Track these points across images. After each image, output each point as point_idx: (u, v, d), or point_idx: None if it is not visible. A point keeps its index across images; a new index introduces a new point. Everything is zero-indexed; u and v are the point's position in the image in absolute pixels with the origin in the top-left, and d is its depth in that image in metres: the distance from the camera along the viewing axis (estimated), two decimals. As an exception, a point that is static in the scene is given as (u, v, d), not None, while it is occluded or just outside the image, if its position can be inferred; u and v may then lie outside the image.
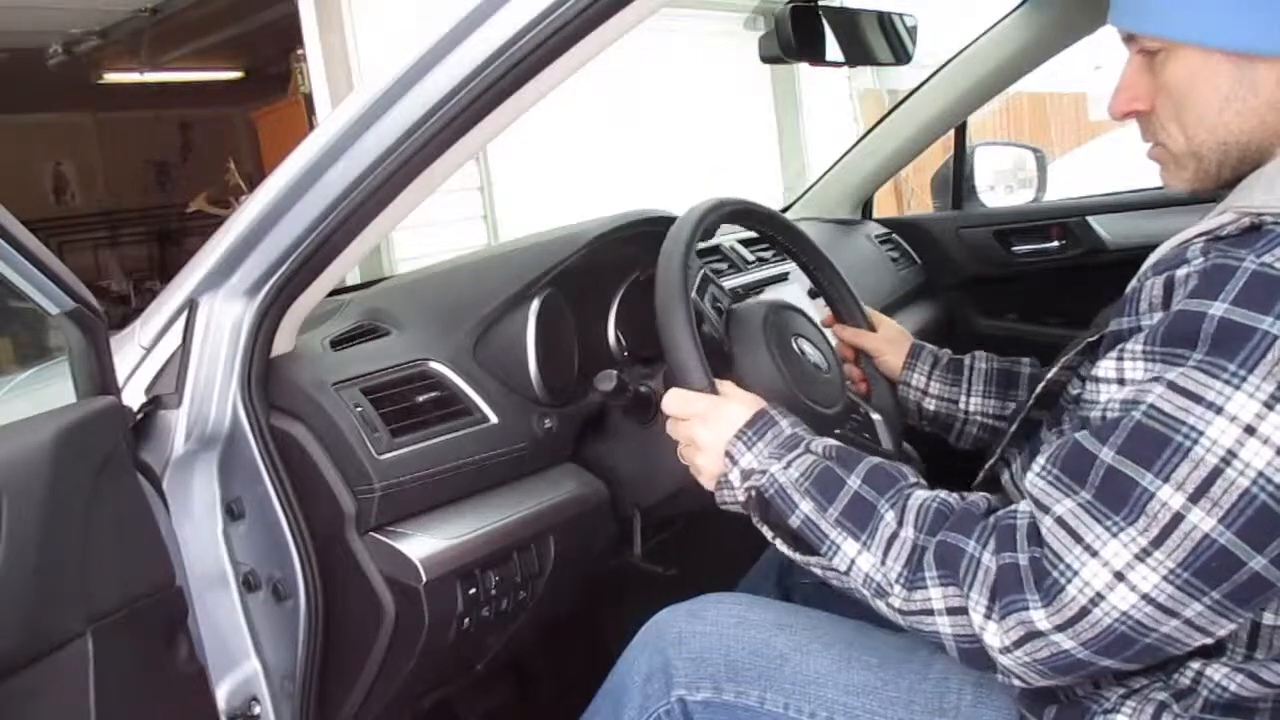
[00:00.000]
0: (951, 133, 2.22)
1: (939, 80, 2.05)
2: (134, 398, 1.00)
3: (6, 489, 0.74)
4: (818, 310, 1.38)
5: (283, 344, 1.06)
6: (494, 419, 1.15)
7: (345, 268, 1.03)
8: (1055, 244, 2.17)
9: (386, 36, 4.41)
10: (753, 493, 0.92)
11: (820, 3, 1.35)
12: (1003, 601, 0.76)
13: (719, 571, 1.30)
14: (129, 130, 7.91)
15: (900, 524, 0.84)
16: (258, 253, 1.00)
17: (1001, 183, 2.46)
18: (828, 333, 1.31)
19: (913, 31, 1.51)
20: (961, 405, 1.23)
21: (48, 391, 1.05)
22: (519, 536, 1.11)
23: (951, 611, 0.80)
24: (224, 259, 1.00)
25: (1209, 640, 0.74)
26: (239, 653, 1.04)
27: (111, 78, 6.40)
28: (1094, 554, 0.72)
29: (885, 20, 1.47)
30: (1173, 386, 0.71)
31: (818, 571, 0.89)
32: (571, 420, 1.24)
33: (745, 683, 0.96)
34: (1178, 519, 0.70)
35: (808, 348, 1.21)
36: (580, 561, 1.23)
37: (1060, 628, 0.74)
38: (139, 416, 1.00)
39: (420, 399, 1.11)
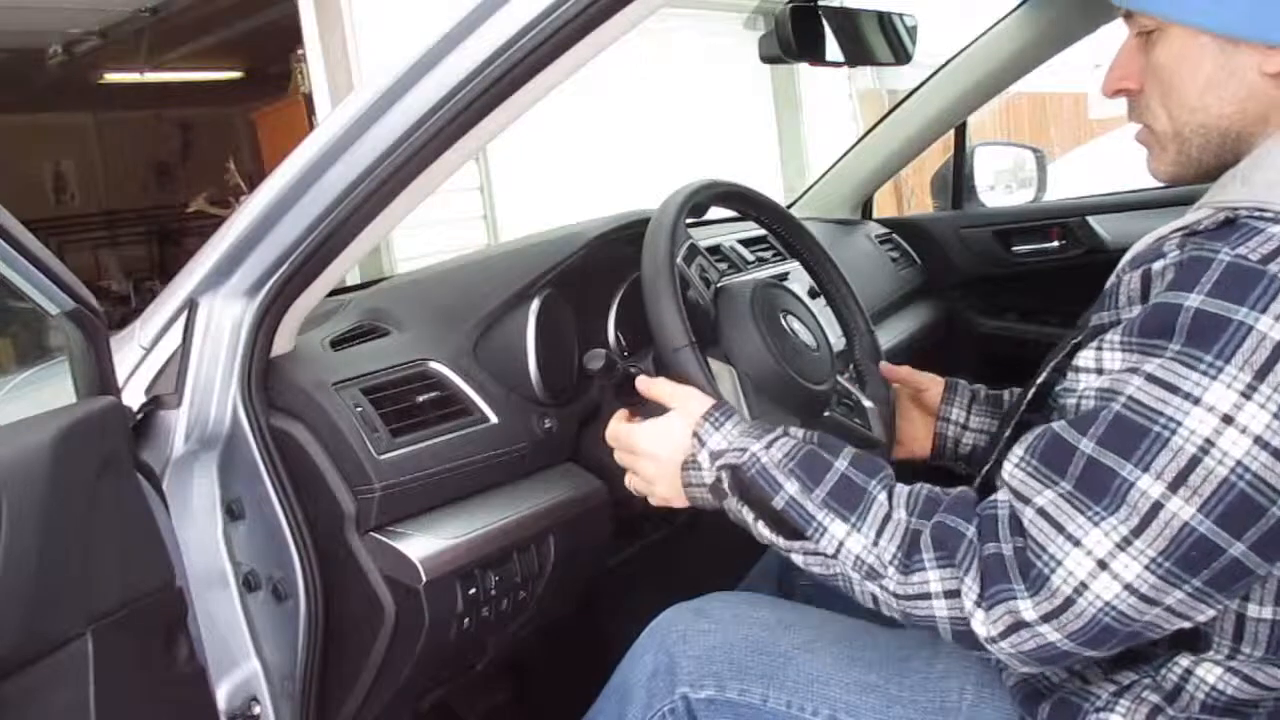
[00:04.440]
0: (951, 133, 2.22)
1: (939, 80, 2.05)
2: (134, 398, 1.00)
3: (6, 489, 0.74)
4: (818, 313, 1.38)
5: (283, 344, 1.06)
6: (494, 419, 1.15)
7: (345, 268, 1.03)
8: (1055, 244, 2.17)
9: (386, 36, 4.40)
10: (726, 472, 0.91)
11: (820, 3, 1.35)
12: (991, 590, 0.77)
13: (720, 572, 1.30)
14: (129, 130, 7.91)
15: (893, 506, 0.84)
16: (258, 253, 1.00)
17: (1001, 183, 2.46)
18: (816, 311, 1.31)
19: (913, 31, 1.51)
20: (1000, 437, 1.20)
21: (48, 391, 1.05)
22: (519, 537, 1.11)
23: (948, 595, 0.79)
24: (224, 259, 1.00)
25: (1187, 624, 0.75)
26: (239, 653, 1.04)
27: (111, 78, 6.40)
28: (1077, 543, 0.73)
29: (885, 20, 1.47)
30: (1150, 378, 0.72)
31: (798, 558, 0.87)
32: (571, 420, 1.24)
33: (749, 681, 0.97)
34: (1157, 507, 0.70)
35: (796, 325, 1.22)
36: (580, 561, 1.23)
37: (1046, 618, 0.75)
38: (139, 417, 1.00)
39: (420, 399, 1.11)
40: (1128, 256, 0.81)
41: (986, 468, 1.05)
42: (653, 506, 1.30)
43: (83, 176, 7.89)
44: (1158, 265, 0.77)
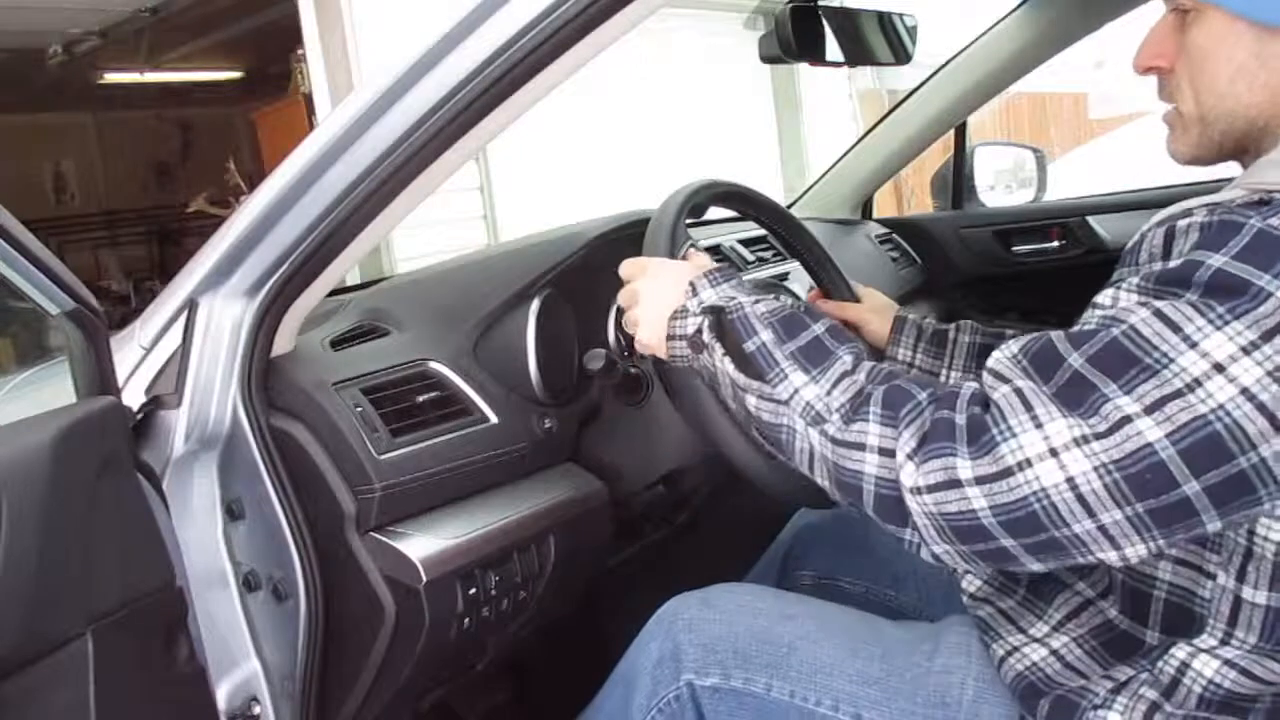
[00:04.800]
0: (951, 133, 2.22)
1: (939, 80, 2.05)
2: (134, 398, 1.00)
3: (6, 489, 0.74)
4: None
5: (283, 344, 1.06)
6: (494, 419, 1.15)
7: (345, 268, 1.03)
8: (1055, 244, 2.17)
9: (386, 36, 4.41)
10: (709, 316, 0.93)
11: (820, 3, 1.35)
12: (930, 446, 0.77)
13: (720, 573, 1.30)
14: (129, 130, 7.91)
15: (855, 369, 0.85)
16: (258, 253, 1.00)
17: (1001, 183, 2.46)
18: None
19: (913, 31, 1.51)
20: (942, 378, 1.22)
21: (48, 391, 1.05)
22: (519, 537, 1.11)
23: (883, 452, 0.80)
24: (224, 259, 1.00)
25: (1113, 556, 0.74)
26: (239, 653, 1.04)
27: (111, 78, 6.41)
28: (1038, 425, 0.73)
29: (885, 20, 1.47)
30: (1157, 313, 0.72)
31: (751, 400, 0.89)
32: (571, 420, 1.24)
33: (753, 670, 0.98)
34: (1126, 420, 0.71)
35: None
36: (580, 561, 1.23)
37: (980, 480, 0.74)
38: (139, 417, 1.00)
39: (420, 399, 1.11)
40: (1154, 220, 0.81)
41: None
42: (652, 506, 1.31)
43: (83, 176, 7.89)
44: (1183, 223, 0.77)
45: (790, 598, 1.07)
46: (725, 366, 0.91)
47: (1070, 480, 0.72)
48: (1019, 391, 0.75)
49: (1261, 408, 0.68)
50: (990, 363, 0.80)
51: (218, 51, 6.11)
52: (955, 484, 0.75)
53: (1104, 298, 0.79)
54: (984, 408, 0.78)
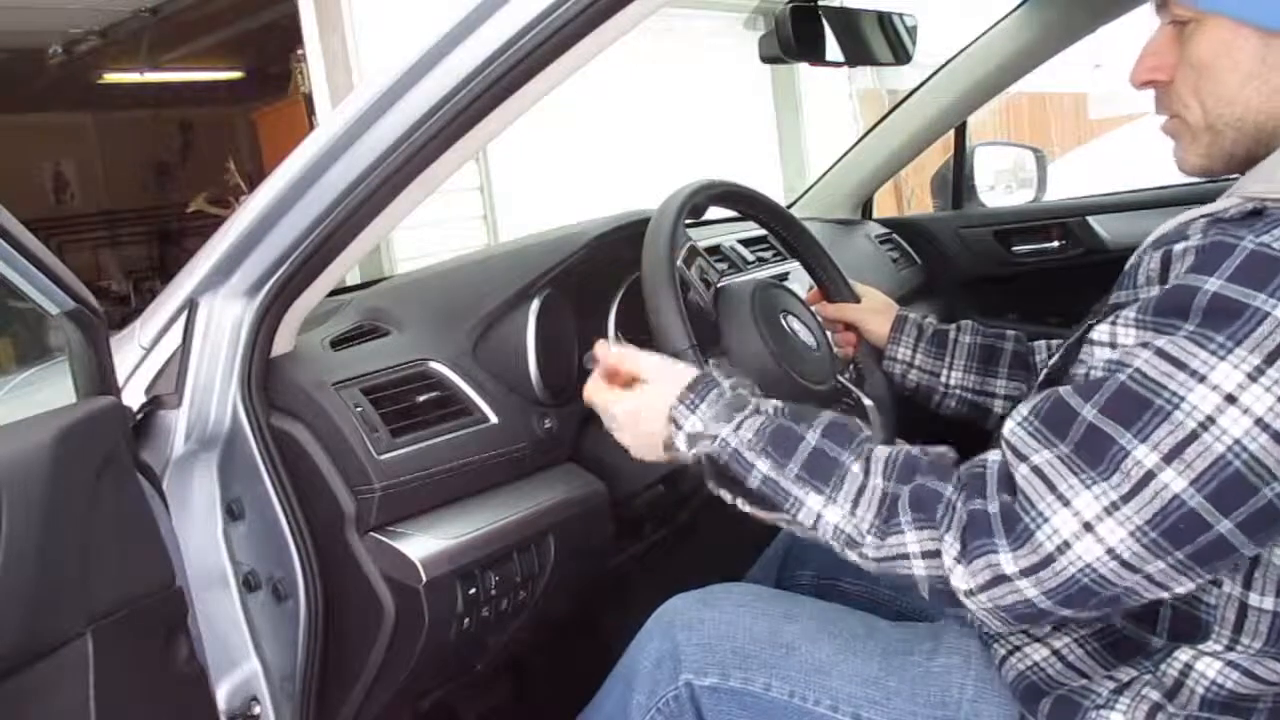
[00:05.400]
0: (951, 133, 2.22)
1: (939, 80, 2.05)
2: (134, 398, 1.00)
3: (6, 489, 0.74)
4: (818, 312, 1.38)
5: (283, 344, 1.06)
6: (494, 419, 1.15)
7: (345, 268, 1.03)
8: (1055, 244, 2.17)
9: (386, 36, 4.41)
10: (704, 458, 0.90)
11: (820, 3, 1.35)
12: (972, 545, 0.77)
13: (719, 573, 1.30)
14: (129, 130, 7.91)
15: (867, 474, 0.84)
16: (258, 253, 1.00)
17: (1001, 183, 2.46)
18: (816, 311, 1.32)
19: (913, 31, 1.51)
20: (943, 379, 1.24)
21: (47, 391, 1.05)
22: (519, 536, 1.11)
23: (926, 555, 0.80)
24: (224, 259, 1.00)
25: (1165, 595, 0.75)
26: (239, 653, 1.04)
27: (111, 78, 6.41)
28: (1066, 503, 0.74)
29: (885, 20, 1.47)
30: (1160, 353, 0.73)
31: (784, 525, 0.88)
32: (571, 420, 1.24)
33: (752, 670, 0.98)
34: (1149, 477, 0.71)
35: (797, 325, 1.22)
36: (580, 561, 1.23)
37: (1025, 572, 0.75)
38: (139, 416, 1.00)
39: (420, 399, 1.11)
40: (1151, 237, 0.82)
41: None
42: (653, 506, 1.31)
43: (83, 176, 7.89)
44: (1179, 247, 0.77)
45: (790, 598, 1.07)
46: (741, 506, 0.90)
47: (1111, 551, 0.73)
48: (1038, 470, 0.76)
49: (1277, 437, 0.68)
50: (1005, 434, 0.80)
51: (218, 51, 6.11)
52: (1004, 579, 0.76)
53: (1101, 334, 0.79)
54: (1012, 493, 0.78)
